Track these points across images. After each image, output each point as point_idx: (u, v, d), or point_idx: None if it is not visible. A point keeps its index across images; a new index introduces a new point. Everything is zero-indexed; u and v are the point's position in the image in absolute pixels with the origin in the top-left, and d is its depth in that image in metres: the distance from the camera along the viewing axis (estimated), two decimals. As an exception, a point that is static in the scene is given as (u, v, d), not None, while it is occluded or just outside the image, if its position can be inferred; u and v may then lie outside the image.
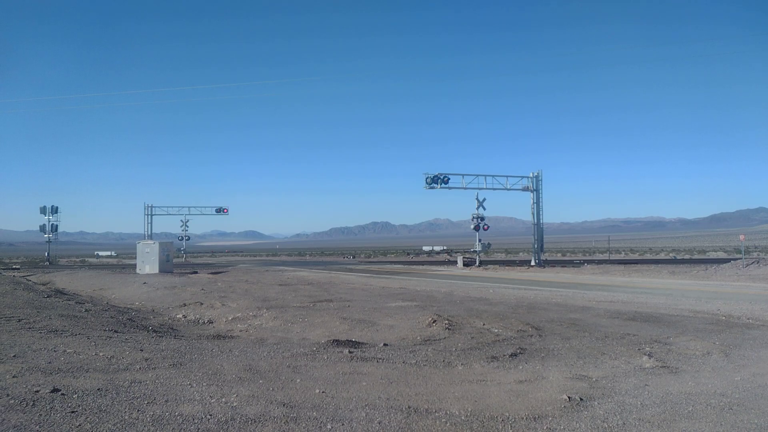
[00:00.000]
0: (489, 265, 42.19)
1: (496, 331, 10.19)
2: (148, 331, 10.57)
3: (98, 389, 5.39)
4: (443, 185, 40.47)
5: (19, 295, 15.01)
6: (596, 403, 5.47)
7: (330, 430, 4.60)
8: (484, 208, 42.53)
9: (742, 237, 34.67)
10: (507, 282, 25.51)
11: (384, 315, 12.51)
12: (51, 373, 5.94)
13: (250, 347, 8.41)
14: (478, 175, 41.34)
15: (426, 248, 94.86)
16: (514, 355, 7.93)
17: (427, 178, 40.22)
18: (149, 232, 62.00)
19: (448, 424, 4.81)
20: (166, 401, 5.14)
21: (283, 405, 5.19)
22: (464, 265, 42.69)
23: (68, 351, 7.29)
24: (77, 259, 68.43)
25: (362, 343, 9.07)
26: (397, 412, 5.07)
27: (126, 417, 4.64)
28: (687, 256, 63.49)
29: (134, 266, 35.37)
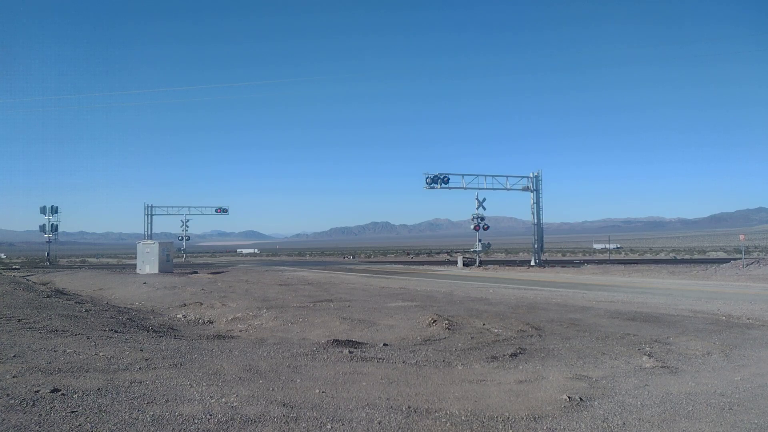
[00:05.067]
0: (489, 265, 42.18)
1: (496, 331, 10.19)
2: (148, 331, 10.57)
3: (98, 389, 5.39)
4: (443, 185, 40.47)
5: (19, 295, 15.02)
6: (596, 403, 5.47)
7: (330, 430, 4.60)
8: (484, 208, 42.53)
9: (742, 237, 34.67)
10: (507, 282, 25.51)
11: (384, 315, 12.51)
12: (51, 373, 5.94)
13: (250, 347, 8.41)
14: (478, 175, 41.37)
15: (597, 245, 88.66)
16: (514, 355, 7.92)
17: (427, 178, 40.22)
18: (149, 232, 62.00)
19: (448, 424, 4.81)
20: (166, 401, 5.14)
21: (283, 405, 5.19)
22: (464, 265, 42.67)
23: (68, 351, 7.29)
24: (77, 259, 68.43)
25: (362, 343, 9.07)
26: (397, 412, 5.07)
27: (126, 417, 4.64)
28: (687, 256, 63.48)
29: (134, 266, 35.37)
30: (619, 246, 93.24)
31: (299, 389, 5.81)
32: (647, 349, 8.27)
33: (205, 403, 5.13)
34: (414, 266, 46.53)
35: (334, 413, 4.99)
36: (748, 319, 11.86)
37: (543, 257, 44.47)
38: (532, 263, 42.11)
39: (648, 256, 68.51)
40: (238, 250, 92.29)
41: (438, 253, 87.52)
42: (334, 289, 20.22)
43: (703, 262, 39.92)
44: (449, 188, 40.87)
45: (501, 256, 72.00)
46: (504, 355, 7.87)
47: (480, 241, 42.84)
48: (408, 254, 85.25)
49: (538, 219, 42.79)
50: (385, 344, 9.02)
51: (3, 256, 59.39)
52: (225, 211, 67.41)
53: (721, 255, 62.44)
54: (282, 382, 6.09)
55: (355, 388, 5.90)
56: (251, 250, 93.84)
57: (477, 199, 42.34)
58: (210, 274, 32.92)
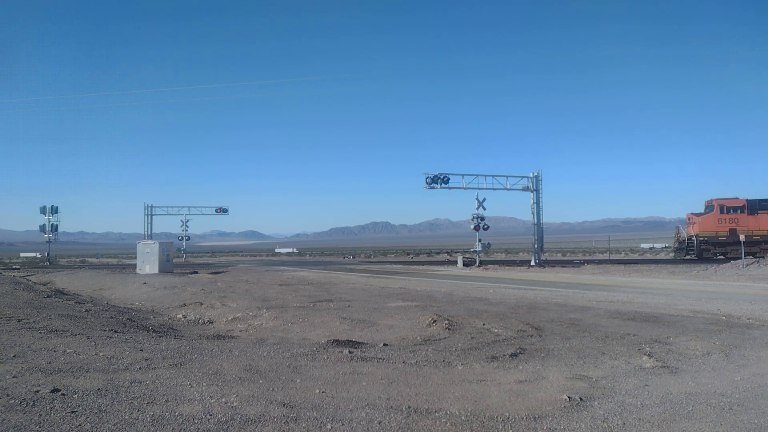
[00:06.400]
0: (489, 265, 42.15)
1: (496, 331, 10.19)
2: (148, 331, 10.57)
3: (98, 389, 5.39)
4: (443, 185, 40.43)
5: (19, 295, 15.01)
6: (596, 403, 5.47)
7: (330, 430, 4.60)
8: (484, 208, 42.49)
9: (742, 237, 34.61)
10: (507, 282, 25.51)
11: (384, 315, 12.51)
12: (51, 373, 5.94)
13: (250, 347, 8.41)
14: (478, 175, 41.33)
15: (645, 245, 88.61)
16: (514, 355, 7.92)
17: (427, 178, 40.19)
18: (149, 232, 61.94)
19: (448, 424, 4.81)
20: (166, 401, 5.14)
21: (283, 405, 5.19)
22: (464, 265, 42.65)
23: (68, 351, 7.30)
24: (77, 259, 68.40)
25: (362, 343, 9.07)
26: (397, 412, 5.07)
27: (126, 417, 4.64)
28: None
29: (134, 266, 35.37)
30: (667, 245, 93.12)
31: (299, 389, 5.81)
32: (647, 349, 8.26)
33: (205, 403, 5.13)
34: (414, 266, 46.51)
35: (334, 413, 4.99)
36: (749, 319, 11.86)
37: (543, 257, 44.43)
38: (532, 263, 42.09)
39: (648, 256, 68.47)
40: (276, 250, 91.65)
41: (438, 253, 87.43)
42: (334, 289, 20.21)
43: (703, 262, 39.87)
44: (449, 188, 40.83)
45: (501, 256, 71.95)
46: (504, 355, 7.88)
47: (480, 241, 42.81)
48: (408, 254, 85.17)
49: (538, 219, 42.77)
50: (385, 344, 9.02)
51: (39, 255, 58.91)
52: (225, 211, 67.31)
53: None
54: (282, 382, 6.09)
55: (355, 388, 5.91)
56: (289, 250, 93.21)
57: (477, 199, 42.31)
58: (210, 274, 32.92)
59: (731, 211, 40.08)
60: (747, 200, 40.22)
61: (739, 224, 39.59)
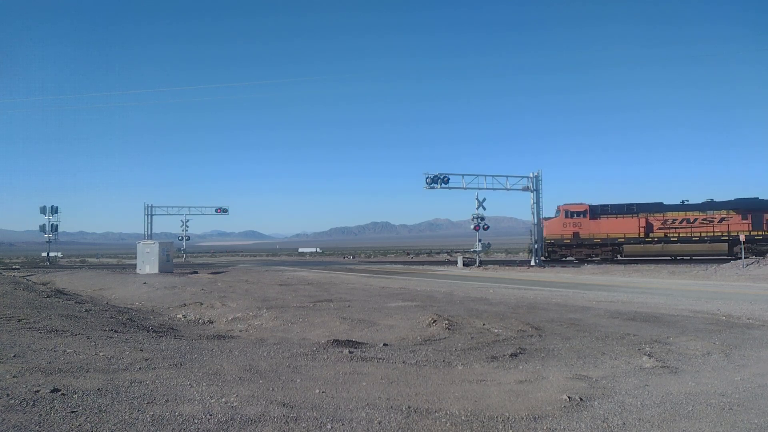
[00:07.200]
0: (489, 265, 42.14)
1: (496, 331, 10.19)
2: (148, 331, 10.57)
3: (98, 389, 5.39)
4: (443, 185, 40.44)
5: (19, 295, 15.01)
6: (596, 403, 5.47)
7: (330, 430, 4.60)
8: (484, 208, 42.49)
9: (742, 237, 34.61)
10: (507, 282, 25.50)
11: (384, 315, 12.51)
12: (51, 373, 5.94)
13: (250, 347, 8.41)
14: (478, 175, 41.34)
15: None
16: (514, 355, 7.93)
17: (427, 178, 40.20)
18: (149, 232, 61.93)
19: (448, 424, 4.81)
20: (166, 401, 5.14)
21: (283, 405, 5.19)
22: (464, 265, 42.64)
23: (68, 351, 7.30)
24: (77, 259, 68.41)
25: (362, 343, 9.07)
26: (397, 412, 5.07)
27: (126, 417, 4.64)
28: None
29: (134, 266, 35.37)
30: None
31: (299, 389, 5.81)
32: (647, 349, 8.26)
33: (205, 403, 5.13)
34: (414, 266, 46.50)
35: (334, 413, 4.99)
36: (749, 319, 11.86)
37: (543, 257, 44.44)
38: (532, 263, 42.09)
39: (503, 257, 68.25)
40: (300, 250, 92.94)
41: (438, 253, 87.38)
42: (334, 289, 20.21)
43: (703, 262, 39.89)
44: (449, 188, 40.85)
45: (501, 256, 71.88)
46: (504, 355, 7.88)
47: (480, 241, 42.80)
48: (408, 254, 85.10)
49: (538, 219, 42.78)
50: (385, 344, 9.02)
51: (60, 255, 58.33)
52: (225, 211, 67.29)
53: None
54: (282, 382, 6.09)
55: (355, 388, 5.91)
56: (313, 249, 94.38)
57: (477, 199, 42.31)
58: (210, 274, 32.92)
59: (575, 215, 41.62)
60: (589, 206, 41.71)
61: (581, 228, 41.34)
